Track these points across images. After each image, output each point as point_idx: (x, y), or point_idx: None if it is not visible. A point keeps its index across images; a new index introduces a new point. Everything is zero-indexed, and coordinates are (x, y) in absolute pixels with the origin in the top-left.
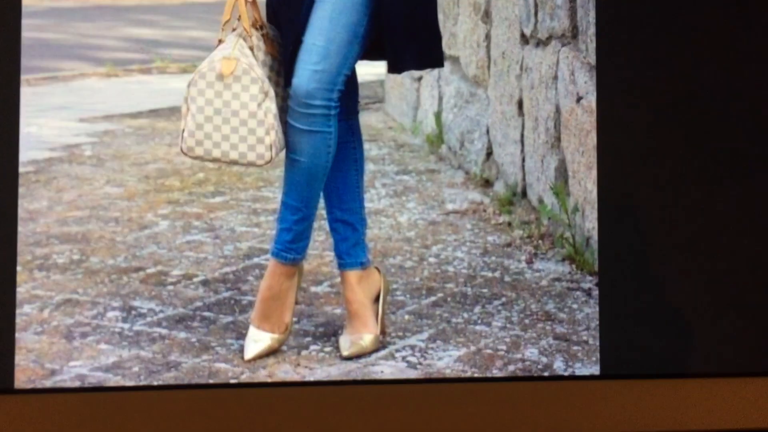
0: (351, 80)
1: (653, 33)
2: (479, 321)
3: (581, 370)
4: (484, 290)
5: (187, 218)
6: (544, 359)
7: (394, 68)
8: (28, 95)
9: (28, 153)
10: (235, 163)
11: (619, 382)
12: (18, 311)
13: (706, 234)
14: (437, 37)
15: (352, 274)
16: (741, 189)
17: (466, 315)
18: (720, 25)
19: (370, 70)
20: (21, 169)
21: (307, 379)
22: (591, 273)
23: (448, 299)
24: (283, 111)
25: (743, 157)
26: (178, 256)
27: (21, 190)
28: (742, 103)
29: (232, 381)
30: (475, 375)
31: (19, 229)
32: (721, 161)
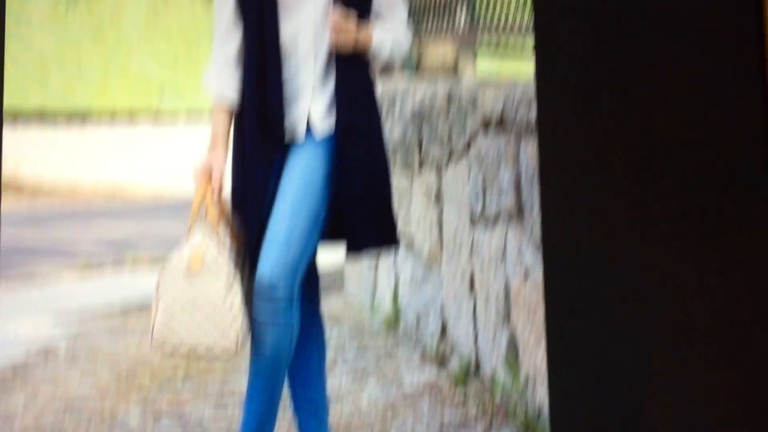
0: (312, 268)
1: (598, 209)
2: None
3: None
4: None
5: (157, 409)
6: None
7: (353, 247)
8: (5, 296)
9: (4, 351)
10: (203, 356)
11: None
12: None
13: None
14: (392, 218)
15: None
16: (688, 334)
17: None
18: (659, 189)
19: (329, 259)
20: None
21: None
22: None
23: None
24: (250, 299)
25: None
26: None
27: None
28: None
29: None
30: None
31: None
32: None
